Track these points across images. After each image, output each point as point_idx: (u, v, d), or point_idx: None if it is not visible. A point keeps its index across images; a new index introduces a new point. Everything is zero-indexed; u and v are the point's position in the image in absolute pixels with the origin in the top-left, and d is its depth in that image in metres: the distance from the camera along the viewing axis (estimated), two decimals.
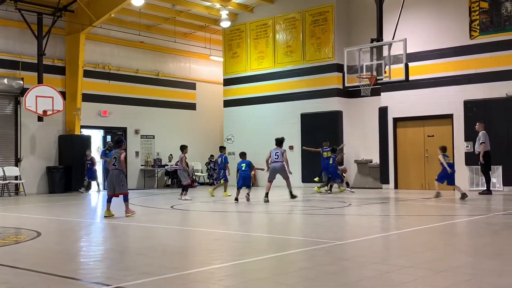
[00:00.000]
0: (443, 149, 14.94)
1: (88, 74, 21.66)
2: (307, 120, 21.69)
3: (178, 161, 16.52)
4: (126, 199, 11.07)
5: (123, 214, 10.96)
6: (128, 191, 11.38)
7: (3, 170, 18.88)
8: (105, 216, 10.91)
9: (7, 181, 18.74)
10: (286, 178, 14.63)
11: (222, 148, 17.44)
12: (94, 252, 7.31)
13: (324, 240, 7.51)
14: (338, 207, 12.93)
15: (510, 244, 7.32)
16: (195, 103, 26.04)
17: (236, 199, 14.33)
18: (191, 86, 25.92)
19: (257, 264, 6.17)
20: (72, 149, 20.69)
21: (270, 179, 14.56)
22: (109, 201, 11.13)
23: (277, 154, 14.55)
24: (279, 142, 14.86)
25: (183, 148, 15.77)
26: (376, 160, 20.40)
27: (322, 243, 7.31)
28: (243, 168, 14.56)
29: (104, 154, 20.23)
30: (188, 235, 8.82)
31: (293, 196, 14.63)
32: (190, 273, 5.62)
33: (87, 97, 21.50)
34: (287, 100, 22.31)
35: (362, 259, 6.33)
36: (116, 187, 10.98)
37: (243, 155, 15.32)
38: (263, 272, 5.75)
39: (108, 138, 22.94)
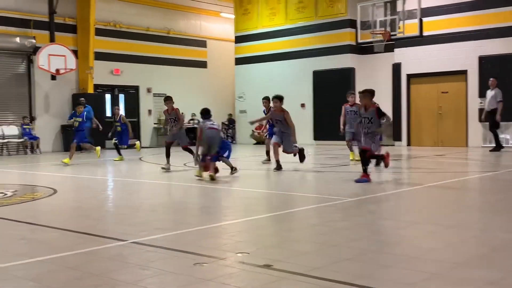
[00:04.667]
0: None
1: (99, 32, 21.56)
2: (319, 77, 21.53)
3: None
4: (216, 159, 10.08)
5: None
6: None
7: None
8: (211, 178, 9.82)
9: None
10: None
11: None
12: (109, 209, 7.45)
13: (336, 197, 7.58)
14: (349, 165, 12.95)
15: None
16: (206, 61, 25.90)
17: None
18: (202, 44, 25.72)
19: (269, 220, 6.26)
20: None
21: None
22: (214, 160, 10.03)
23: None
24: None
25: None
26: (388, 117, 20.26)
27: (333, 200, 7.38)
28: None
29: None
30: (201, 192, 8.93)
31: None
32: (203, 228, 5.73)
33: (99, 56, 21.46)
34: (299, 57, 22.11)
35: (373, 215, 6.40)
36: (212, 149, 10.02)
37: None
38: (275, 228, 5.84)
39: (121, 97, 22.97)
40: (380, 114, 9.34)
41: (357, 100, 11.50)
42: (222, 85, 26.13)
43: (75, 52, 20.38)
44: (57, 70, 19.34)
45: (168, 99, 12.74)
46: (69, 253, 4.70)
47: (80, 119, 14.83)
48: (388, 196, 8.04)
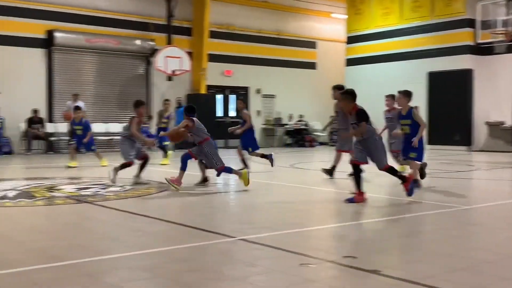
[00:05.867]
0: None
1: (213, 34, 22.22)
2: (434, 79, 20.70)
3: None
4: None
5: None
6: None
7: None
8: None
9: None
10: None
11: None
12: (220, 206, 7.64)
13: (450, 204, 7.24)
14: (465, 171, 12.34)
15: None
16: (315, 62, 25.83)
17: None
18: (312, 45, 25.69)
19: (378, 225, 6.11)
20: (199, 108, 21.49)
21: None
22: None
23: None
24: None
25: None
26: (508, 122, 19.10)
27: (446, 207, 7.06)
28: None
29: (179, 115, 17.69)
30: (307, 193, 8.91)
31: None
32: (310, 230, 5.70)
33: (212, 57, 22.13)
34: (413, 58, 21.38)
35: (491, 224, 6.04)
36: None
37: None
38: (384, 233, 5.68)
39: (232, 97, 23.51)
40: (361, 118, 7.67)
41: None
42: (331, 87, 25.89)
43: (189, 54, 21.16)
44: (173, 72, 20.19)
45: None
46: (180, 246, 4.88)
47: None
48: (507, 205, 7.54)
